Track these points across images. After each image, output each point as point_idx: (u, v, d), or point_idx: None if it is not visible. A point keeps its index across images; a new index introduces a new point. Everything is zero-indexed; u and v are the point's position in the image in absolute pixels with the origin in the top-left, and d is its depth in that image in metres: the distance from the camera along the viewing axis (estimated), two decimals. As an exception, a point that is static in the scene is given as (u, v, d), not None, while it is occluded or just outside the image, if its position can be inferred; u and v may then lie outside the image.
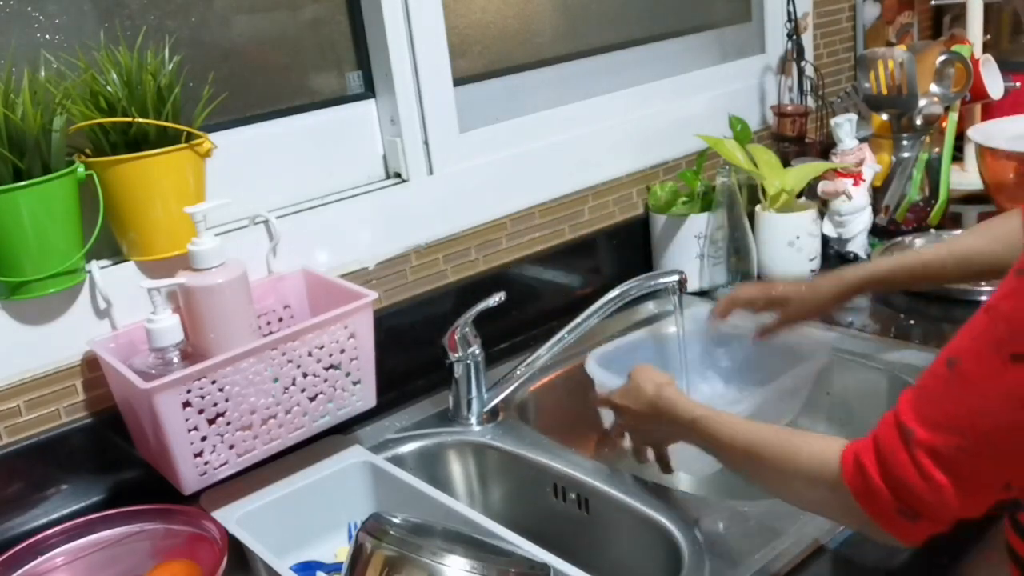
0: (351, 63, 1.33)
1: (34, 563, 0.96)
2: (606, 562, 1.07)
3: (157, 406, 0.93)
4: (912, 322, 1.38)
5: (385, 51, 1.28)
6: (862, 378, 1.29)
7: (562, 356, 1.32)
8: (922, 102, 1.67)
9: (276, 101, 1.26)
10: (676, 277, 1.25)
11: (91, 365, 1.09)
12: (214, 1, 1.19)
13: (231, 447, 1.00)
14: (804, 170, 1.57)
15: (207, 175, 1.10)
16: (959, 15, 2.00)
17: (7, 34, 1.04)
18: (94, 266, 1.07)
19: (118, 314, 1.09)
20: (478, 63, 1.44)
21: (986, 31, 1.91)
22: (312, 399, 1.06)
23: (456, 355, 1.22)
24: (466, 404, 1.23)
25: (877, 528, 0.72)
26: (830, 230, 1.61)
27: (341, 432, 1.18)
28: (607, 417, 1.09)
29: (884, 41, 2.10)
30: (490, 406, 1.24)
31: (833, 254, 1.62)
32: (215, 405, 0.97)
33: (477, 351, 1.22)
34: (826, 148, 1.71)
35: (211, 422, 0.98)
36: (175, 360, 1.01)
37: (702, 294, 1.54)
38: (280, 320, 1.19)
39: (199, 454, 0.98)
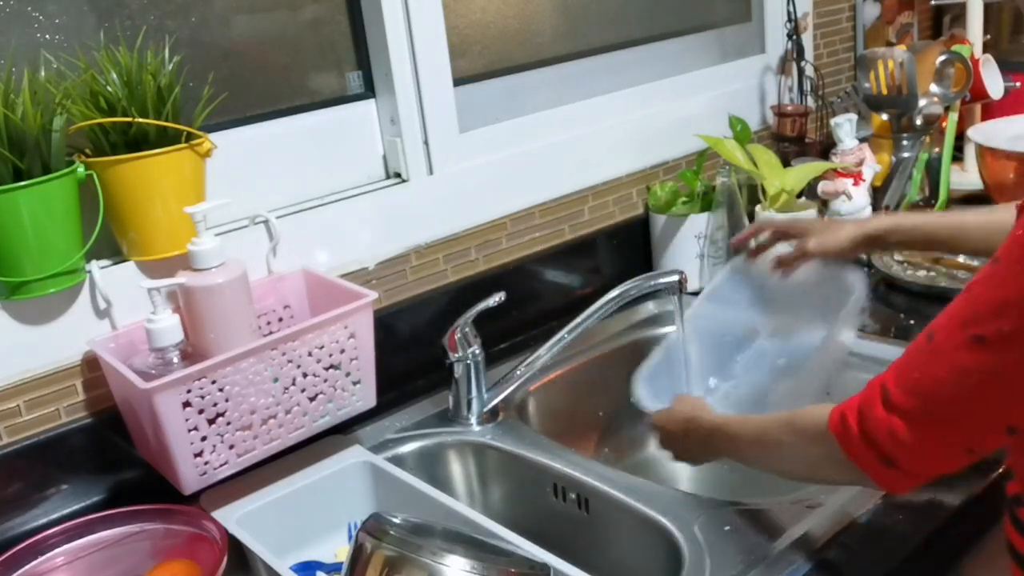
0: (351, 63, 1.33)
1: (34, 563, 0.96)
2: (606, 562, 1.07)
3: (157, 406, 0.93)
4: (912, 322, 1.38)
5: (385, 51, 1.28)
6: (862, 379, 1.28)
7: (562, 356, 1.32)
8: (922, 102, 1.67)
9: (276, 101, 1.26)
10: (676, 277, 1.25)
11: (91, 365, 1.09)
12: (214, 1, 1.19)
13: (231, 447, 1.00)
14: (804, 170, 1.57)
15: (207, 175, 1.10)
16: (959, 15, 2.00)
17: (7, 34, 1.04)
18: (94, 266, 1.07)
19: (118, 314, 1.09)
20: (478, 63, 1.44)
21: (986, 31, 1.91)
22: (312, 399, 1.06)
23: (456, 355, 1.22)
24: (466, 404, 1.23)
25: (861, 473, 0.78)
26: (830, 230, 1.61)
27: (341, 432, 1.18)
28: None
29: (884, 41, 2.10)
30: (490, 406, 1.24)
31: (833, 254, 1.62)
32: (215, 405, 0.97)
33: (477, 351, 1.22)
34: (826, 148, 1.71)
35: (211, 422, 0.98)
36: (175, 360, 1.01)
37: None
38: (280, 320, 1.20)
39: (199, 454, 0.98)
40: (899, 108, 1.67)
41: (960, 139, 1.80)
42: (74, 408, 1.09)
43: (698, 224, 1.52)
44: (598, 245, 1.56)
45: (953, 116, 1.71)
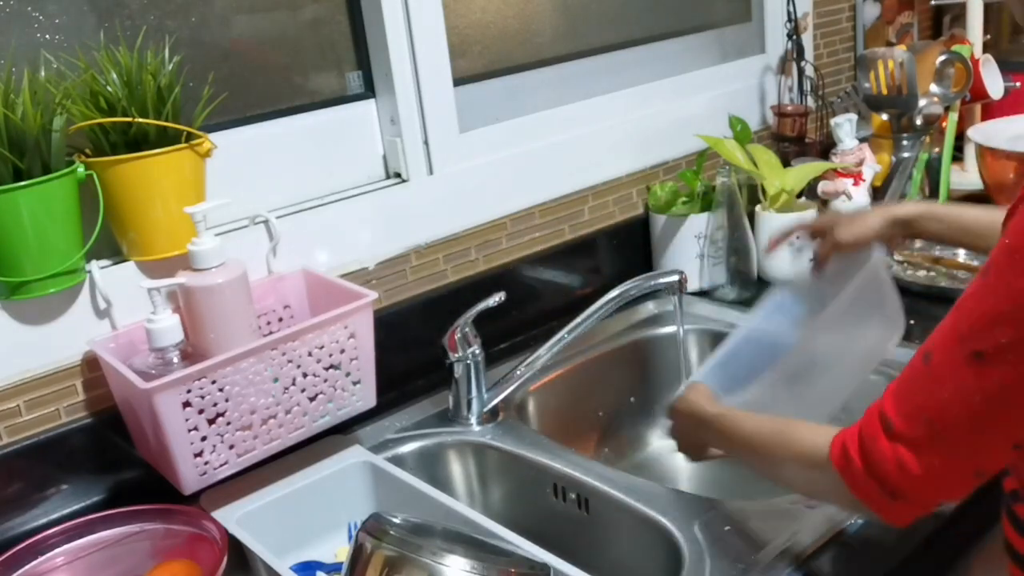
0: (351, 63, 1.33)
1: (34, 563, 0.96)
2: (606, 562, 1.07)
3: (157, 406, 0.93)
4: (912, 322, 1.37)
5: (385, 51, 1.28)
6: (873, 381, 1.29)
7: (562, 356, 1.32)
8: (922, 102, 1.67)
9: (276, 101, 1.26)
10: (676, 277, 1.25)
11: (91, 365, 1.09)
12: (214, 1, 1.19)
13: (231, 447, 1.00)
14: (804, 170, 1.57)
15: (207, 175, 1.10)
16: (959, 15, 2.00)
17: (7, 34, 1.04)
18: (94, 266, 1.07)
19: (118, 314, 1.09)
20: (478, 63, 1.44)
21: (986, 31, 1.91)
22: (312, 399, 1.06)
23: (456, 355, 1.22)
24: (466, 404, 1.23)
25: (867, 509, 0.75)
26: (830, 230, 1.61)
27: (341, 432, 1.18)
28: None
29: (884, 41, 2.10)
30: (490, 406, 1.24)
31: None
32: (215, 405, 0.97)
33: (477, 351, 1.22)
34: (826, 148, 1.71)
35: (211, 422, 0.98)
36: (175, 360, 1.01)
37: (702, 294, 1.54)
38: (280, 320, 1.20)
39: (199, 454, 0.98)
40: (899, 108, 1.67)
41: (960, 139, 1.80)
42: (74, 408, 1.09)
43: (698, 224, 1.52)
44: (598, 245, 1.56)
45: (953, 116, 1.71)
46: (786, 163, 1.67)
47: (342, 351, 1.07)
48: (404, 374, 1.32)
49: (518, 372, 1.24)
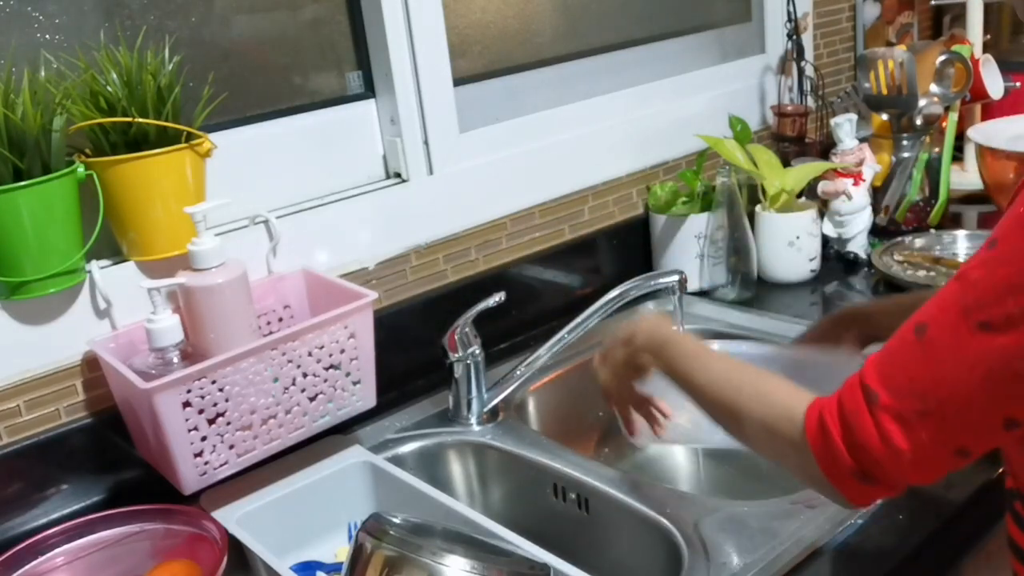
0: (351, 63, 1.33)
1: (34, 563, 0.96)
2: (606, 562, 1.07)
3: (157, 406, 0.93)
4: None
5: (385, 51, 1.28)
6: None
7: (562, 356, 1.32)
8: (922, 102, 1.67)
9: (276, 101, 1.26)
10: (676, 277, 1.25)
11: (91, 365, 1.09)
12: (214, 1, 1.19)
13: (231, 447, 1.00)
14: (804, 170, 1.57)
15: (207, 175, 1.10)
16: (959, 15, 2.00)
17: (7, 34, 1.04)
18: (94, 266, 1.07)
19: (118, 314, 1.09)
20: (478, 63, 1.44)
21: (986, 31, 1.91)
22: (312, 399, 1.06)
23: (456, 355, 1.22)
24: (466, 404, 1.23)
25: (829, 486, 0.72)
26: (830, 230, 1.61)
27: (341, 432, 1.18)
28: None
29: (884, 41, 2.10)
30: (490, 406, 1.24)
31: (833, 254, 1.62)
32: (215, 405, 0.97)
33: (477, 351, 1.22)
34: (826, 148, 1.71)
35: (211, 422, 0.98)
36: (175, 360, 1.01)
37: (702, 294, 1.54)
38: (280, 320, 1.19)
39: (199, 454, 0.98)
40: (899, 108, 1.67)
41: (960, 139, 1.80)
42: (74, 408, 1.09)
43: (698, 224, 1.52)
44: (598, 245, 1.56)
45: (953, 116, 1.71)
46: (786, 163, 1.67)
47: (342, 351, 1.07)
48: (404, 374, 1.32)
49: (518, 372, 1.24)
